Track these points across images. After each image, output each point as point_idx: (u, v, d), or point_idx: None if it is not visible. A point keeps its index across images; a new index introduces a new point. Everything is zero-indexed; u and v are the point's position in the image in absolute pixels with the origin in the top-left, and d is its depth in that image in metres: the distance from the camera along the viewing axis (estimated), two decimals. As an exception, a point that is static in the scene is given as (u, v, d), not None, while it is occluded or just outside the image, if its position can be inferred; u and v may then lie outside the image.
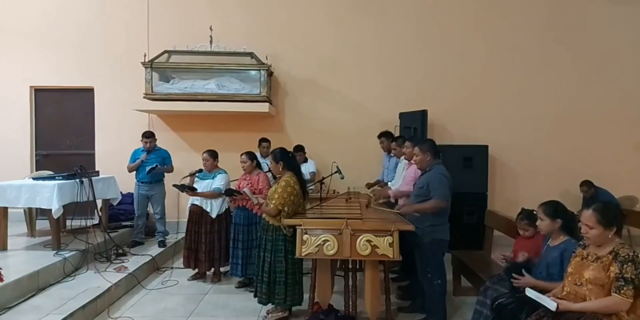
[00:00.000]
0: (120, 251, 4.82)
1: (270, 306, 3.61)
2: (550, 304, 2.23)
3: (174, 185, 4.43)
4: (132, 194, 5.50)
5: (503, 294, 2.74)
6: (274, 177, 4.07)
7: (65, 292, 3.69)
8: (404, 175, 4.16)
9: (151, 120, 6.44)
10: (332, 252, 3.07)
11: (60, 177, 4.61)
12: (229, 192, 4.22)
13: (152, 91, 5.86)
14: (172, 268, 4.91)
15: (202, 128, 6.44)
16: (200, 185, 4.44)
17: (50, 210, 4.33)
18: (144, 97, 5.87)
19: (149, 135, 5.27)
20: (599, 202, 2.34)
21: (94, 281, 3.95)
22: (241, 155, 4.27)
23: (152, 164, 5.12)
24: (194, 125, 6.44)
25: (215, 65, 5.95)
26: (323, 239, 3.09)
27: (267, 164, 4.08)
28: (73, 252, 4.35)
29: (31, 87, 6.49)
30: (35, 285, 3.72)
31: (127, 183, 5.57)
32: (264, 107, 5.86)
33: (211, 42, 6.03)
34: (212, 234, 4.42)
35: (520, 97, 6.44)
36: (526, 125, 6.42)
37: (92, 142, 6.50)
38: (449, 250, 3.74)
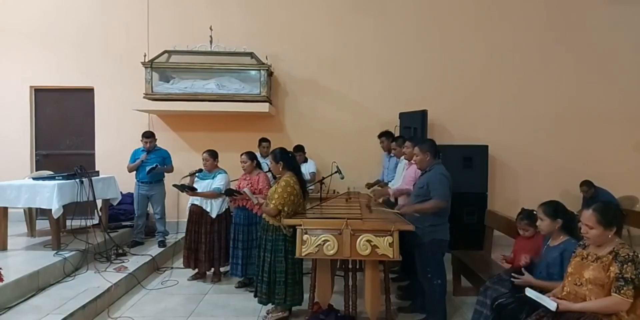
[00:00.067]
0: (120, 251, 4.82)
1: (270, 306, 3.61)
2: (550, 304, 2.23)
3: (174, 185, 4.43)
4: (132, 194, 5.50)
5: (503, 294, 2.74)
6: (274, 177, 4.07)
7: (65, 292, 3.69)
8: (404, 175, 4.16)
9: (151, 120, 6.44)
10: (332, 252, 3.07)
11: (60, 177, 4.61)
12: (229, 192, 4.22)
13: (152, 91, 5.86)
14: (172, 268, 4.92)
15: (202, 128, 6.44)
16: (200, 185, 4.44)
17: (50, 210, 4.33)
18: (144, 97, 5.87)
19: (149, 135, 5.27)
20: (599, 202, 2.33)
21: (94, 281, 3.95)
22: (241, 155, 4.27)
23: (152, 164, 5.12)
24: (194, 125, 6.44)
25: (215, 65, 5.95)
26: (323, 239, 3.09)
27: (267, 164, 4.08)
28: (73, 252, 4.35)
29: (31, 87, 6.49)
30: (35, 285, 3.72)
31: (127, 183, 5.57)
32: (264, 107, 5.86)
33: (211, 42, 6.03)
34: (212, 234, 4.42)
35: (520, 97, 6.44)
36: (526, 125, 6.42)
37: (92, 142, 6.50)
38: (449, 250, 3.74)
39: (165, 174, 5.41)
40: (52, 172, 5.13)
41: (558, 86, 6.43)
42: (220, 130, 6.41)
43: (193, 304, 3.92)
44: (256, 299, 3.62)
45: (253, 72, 6.01)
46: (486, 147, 5.92)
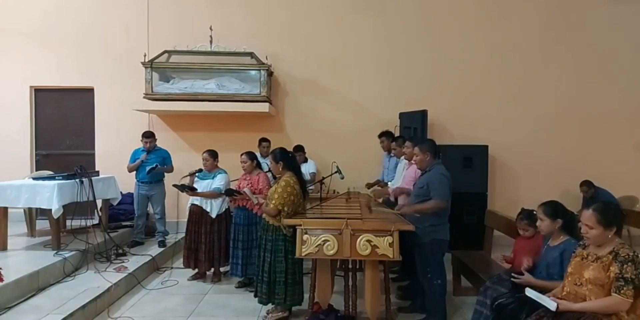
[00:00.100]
0: (120, 251, 4.82)
1: (270, 306, 3.61)
2: (550, 304, 2.23)
3: (174, 185, 4.43)
4: (132, 194, 5.50)
5: (503, 294, 2.74)
6: (274, 177, 4.07)
7: (65, 292, 3.69)
8: (404, 175, 4.16)
9: (151, 120, 6.44)
10: (332, 252, 3.07)
11: (60, 177, 4.61)
12: (229, 192, 4.22)
13: (152, 91, 5.86)
14: (172, 268, 4.92)
15: (202, 128, 6.44)
16: (200, 185, 4.44)
17: (50, 210, 4.33)
18: (144, 97, 5.87)
19: (149, 135, 5.27)
20: (599, 202, 2.33)
21: (94, 281, 3.95)
22: (241, 155, 4.27)
23: (152, 164, 5.12)
24: (194, 125, 6.44)
25: (215, 65, 5.95)
26: (323, 239, 3.09)
27: (267, 164, 4.08)
28: (73, 252, 4.35)
29: (31, 87, 6.49)
30: (35, 285, 3.72)
31: (127, 183, 5.57)
32: (264, 107, 5.86)
33: (211, 42, 6.03)
34: (212, 234, 4.42)
35: (520, 97, 6.44)
36: (526, 125, 6.42)
37: (92, 142, 6.50)
38: (449, 250, 3.74)
39: (165, 174, 5.41)
40: (52, 172, 5.13)
41: (558, 86, 6.43)
42: (220, 130, 6.41)
43: (193, 304, 3.92)
44: (256, 299, 3.62)
45: (253, 72, 6.01)
46: (486, 147, 5.92)
